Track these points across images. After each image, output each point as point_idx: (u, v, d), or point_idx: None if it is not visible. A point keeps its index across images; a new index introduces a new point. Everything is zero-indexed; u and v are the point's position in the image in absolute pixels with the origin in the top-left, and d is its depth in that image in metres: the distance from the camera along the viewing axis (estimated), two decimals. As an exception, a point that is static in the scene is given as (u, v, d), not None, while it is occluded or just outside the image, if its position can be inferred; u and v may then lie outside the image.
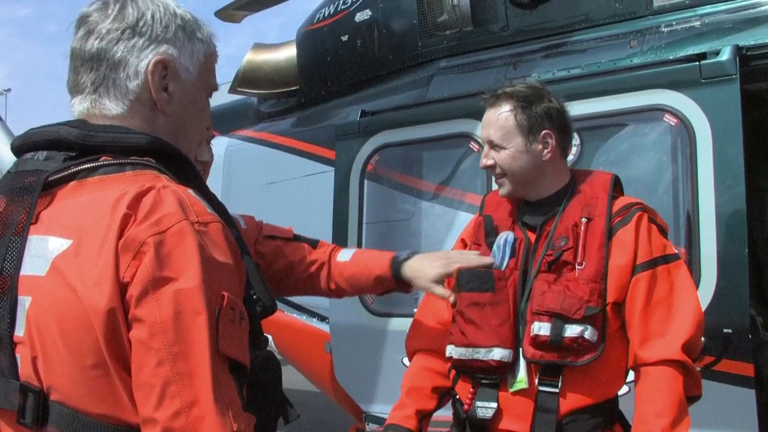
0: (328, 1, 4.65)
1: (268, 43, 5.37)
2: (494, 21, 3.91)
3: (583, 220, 1.99)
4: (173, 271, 1.05)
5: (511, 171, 2.06)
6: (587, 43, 3.62)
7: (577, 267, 1.95)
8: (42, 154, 1.18)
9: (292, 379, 4.06)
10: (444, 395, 2.16)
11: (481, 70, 3.88)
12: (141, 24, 1.19)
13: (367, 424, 3.80)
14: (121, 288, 1.04)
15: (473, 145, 3.65)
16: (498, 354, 1.96)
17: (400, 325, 3.61)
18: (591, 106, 3.20)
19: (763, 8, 3.24)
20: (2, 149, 6.32)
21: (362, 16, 4.35)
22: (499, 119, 2.06)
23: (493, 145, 2.08)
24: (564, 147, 2.12)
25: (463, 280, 2.05)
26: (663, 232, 2.05)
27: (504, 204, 2.16)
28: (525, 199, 2.12)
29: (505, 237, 2.06)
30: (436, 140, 3.79)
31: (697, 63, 3.05)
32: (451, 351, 2.06)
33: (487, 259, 2.04)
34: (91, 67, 1.19)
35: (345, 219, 3.97)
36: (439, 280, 2.00)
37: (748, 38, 3.12)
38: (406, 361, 3.52)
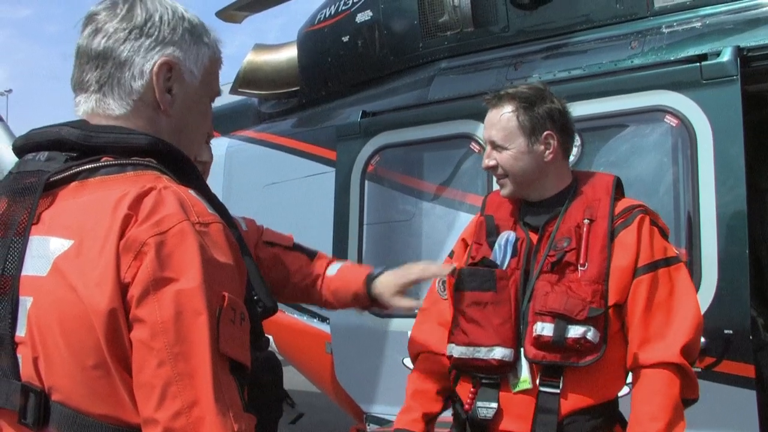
0: (329, 1, 4.65)
1: (269, 43, 5.38)
2: (495, 22, 3.91)
3: (586, 221, 1.99)
4: (174, 271, 1.05)
5: (513, 172, 2.06)
6: (588, 44, 3.62)
7: (579, 268, 1.95)
8: (43, 155, 1.19)
9: (293, 379, 4.06)
10: (449, 397, 2.16)
11: (482, 70, 3.88)
12: (149, 25, 1.19)
13: (368, 425, 3.80)
14: (122, 288, 1.04)
15: (474, 146, 3.65)
16: (499, 353, 1.96)
17: (401, 325, 3.61)
18: (592, 107, 3.20)
19: (763, 9, 3.24)
20: (3, 150, 6.33)
21: (363, 16, 4.35)
22: (502, 120, 2.06)
23: (495, 146, 2.08)
24: (566, 148, 2.12)
25: (465, 279, 2.05)
26: (664, 234, 2.06)
27: (505, 204, 2.16)
28: (526, 200, 2.12)
29: (507, 237, 2.07)
30: (436, 141, 3.79)
31: (698, 64, 3.05)
32: (452, 350, 2.06)
33: (446, 269, 2.01)
34: (97, 65, 1.20)
35: (346, 220, 3.97)
36: (399, 292, 1.94)
37: (749, 39, 3.12)
38: (406, 361, 3.53)
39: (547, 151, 2.05)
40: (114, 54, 1.19)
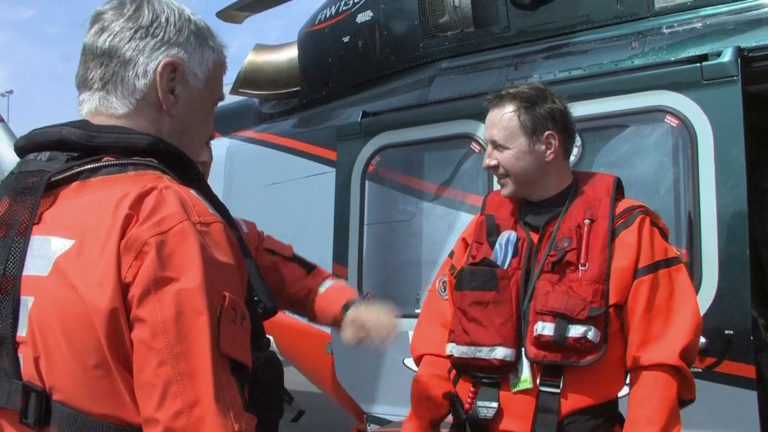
0: (329, 2, 4.65)
1: (270, 44, 5.37)
2: (495, 22, 3.91)
3: (586, 221, 2.00)
4: (175, 271, 1.05)
5: (514, 171, 2.06)
6: (589, 45, 3.62)
7: (580, 268, 1.95)
8: (45, 155, 1.19)
9: (293, 380, 4.06)
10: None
11: (483, 71, 3.88)
12: (155, 26, 1.20)
13: (369, 425, 3.79)
14: (123, 288, 1.04)
15: (474, 146, 3.65)
16: (501, 353, 1.96)
17: (402, 325, 3.61)
18: (592, 107, 3.20)
19: (764, 10, 3.24)
20: (4, 150, 6.33)
21: (363, 17, 4.35)
22: (503, 120, 2.06)
23: (496, 146, 2.08)
24: (567, 148, 2.12)
25: (466, 279, 2.06)
26: (664, 235, 2.06)
27: (506, 204, 2.16)
28: (527, 200, 2.12)
29: (507, 236, 2.07)
30: (437, 141, 3.80)
31: (698, 64, 3.05)
32: (452, 349, 2.06)
33: (388, 339, 1.95)
34: (102, 62, 1.20)
35: (346, 220, 3.97)
36: (355, 338, 1.93)
37: (750, 40, 3.12)
38: (407, 361, 3.53)
39: (549, 151, 2.05)
40: (119, 52, 1.19)
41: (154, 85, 1.20)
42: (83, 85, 1.23)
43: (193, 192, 1.15)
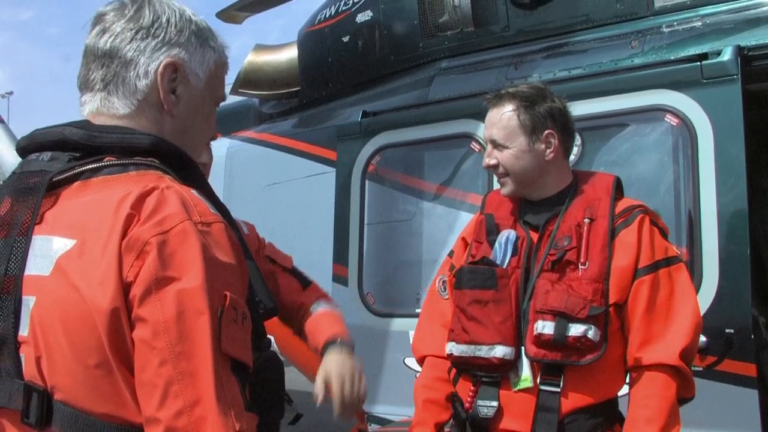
0: (329, 2, 4.66)
1: (270, 44, 5.38)
2: (495, 21, 3.91)
3: (586, 220, 2.00)
4: (176, 270, 1.05)
5: (514, 170, 2.07)
6: (588, 44, 3.62)
7: (580, 267, 1.95)
8: (47, 155, 1.19)
9: (294, 380, 4.06)
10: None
11: (483, 70, 3.88)
12: (155, 26, 1.20)
13: (369, 425, 3.80)
14: (125, 288, 1.05)
15: (474, 146, 3.65)
16: (500, 351, 1.96)
17: (402, 325, 3.61)
18: (592, 106, 3.20)
19: (764, 8, 3.24)
20: (5, 151, 6.33)
21: (363, 17, 4.36)
22: (502, 119, 2.06)
23: (496, 145, 2.09)
24: (566, 147, 2.12)
25: (465, 278, 2.06)
26: (664, 234, 2.06)
27: (505, 203, 2.16)
28: (527, 199, 2.12)
29: (507, 235, 2.07)
30: (437, 141, 3.80)
31: (698, 63, 3.06)
32: (452, 348, 2.06)
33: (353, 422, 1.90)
34: (103, 63, 1.21)
35: (346, 220, 3.97)
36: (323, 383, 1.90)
37: (750, 38, 3.12)
38: (407, 361, 3.53)
39: (548, 150, 2.05)
40: (120, 53, 1.19)
41: (155, 85, 1.20)
42: (85, 86, 1.24)
43: (194, 192, 1.15)
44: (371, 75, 4.41)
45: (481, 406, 2.00)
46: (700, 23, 3.34)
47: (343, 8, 4.48)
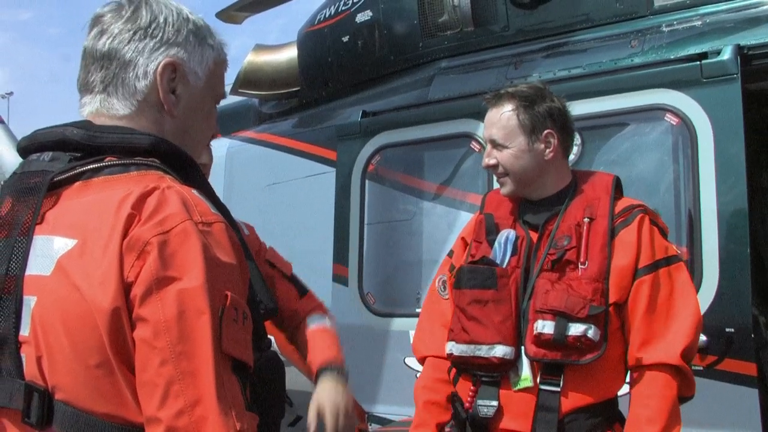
0: (329, 2, 4.65)
1: (270, 44, 5.38)
2: (495, 21, 3.92)
3: (586, 220, 2.00)
4: (177, 270, 1.05)
5: (514, 170, 2.07)
6: (588, 43, 3.62)
7: (580, 266, 1.95)
8: (48, 155, 1.19)
9: (294, 380, 4.06)
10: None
11: (482, 70, 3.88)
12: (153, 26, 1.20)
13: (370, 425, 3.80)
14: (125, 287, 1.05)
15: (474, 145, 3.65)
16: (500, 351, 1.96)
17: (403, 325, 3.61)
18: (592, 105, 3.20)
19: (764, 8, 3.24)
20: (5, 152, 6.33)
21: (363, 16, 4.36)
22: (502, 119, 2.06)
23: (495, 145, 2.09)
24: (566, 147, 2.12)
25: (465, 278, 2.06)
26: (663, 233, 2.06)
27: (505, 202, 2.16)
28: (526, 198, 2.12)
29: (507, 235, 2.07)
30: (437, 140, 3.80)
31: (698, 62, 3.06)
32: (452, 348, 2.06)
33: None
34: (102, 65, 1.21)
35: (346, 219, 3.97)
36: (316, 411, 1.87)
37: (749, 38, 3.12)
38: (408, 361, 3.53)
39: (548, 150, 2.05)
40: (118, 54, 1.19)
41: (154, 85, 1.20)
42: (84, 88, 1.24)
43: (195, 192, 1.15)
44: (371, 75, 4.41)
45: (481, 405, 2.00)
46: (699, 22, 3.35)
47: (343, 8, 4.48)
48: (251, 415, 1.09)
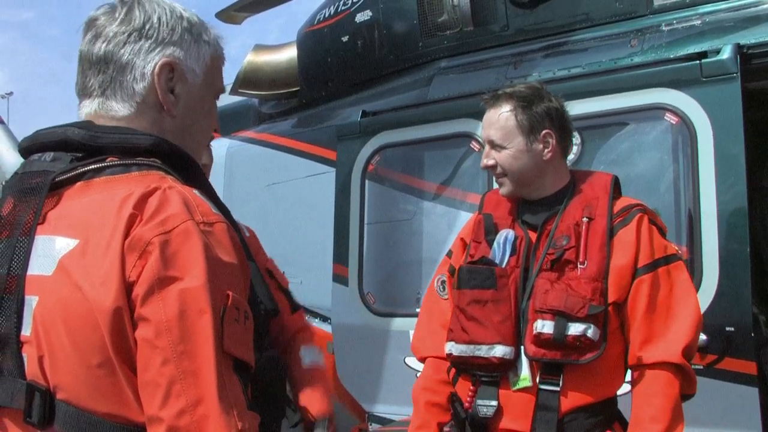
0: (328, 2, 4.65)
1: (269, 44, 5.38)
2: (494, 21, 3.92)
3: (584, 219, 2.00)
4: (178, 270, 1.05)
5: (512, 171, 2.07)
6: (588, 43, 3.62)
7: (579, 266, 1.96)
8: (49, 155, 1.19)
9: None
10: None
11: (482, 69, 3.88)
12: (147, 27, 1.20)
13: (370, 425, 3.80)
14: (127, 287, 1.05)
15: (474, 145, 3.65)
16: (500, 351, 1.97)
17: (403, 325, 3.61)
18: (592, 105, 3.20)
19: (763, 7, 3.24)
20: (5, 152, 6.33)
21: (363, 16, 4.36)
22: (500, 119, 2.06)
23: (493, 145, 2.09)
24: (564, 147, 2.13)
25: (464, 278, 2.06)
26: (662, 233, 2.06)
27: (504, 202, 2.17)
28: (525, 198, 2.12)
29: (506, 235, 2.07)
30: (437, 140, 3.80)
31: (697, 62, 3.06)
32: (451, 348, 2.06)
33: None
34: (99, 69, 1.20)
35: (346, 219, 3.97)
36: None
37: (749, 37, 3.12)
38: (408, 360, 3.53)
39: (546, 150, 2.06)
40: (115, 58, 1.19)
41: (152, 87, 1.20)
42: (83, 92, 1.24)
43: (196, 192, 1.15)
44: (371, 75, 4.41)
45: (480, 405, 2.00)
46: (699, 22, 3.35)
47: (343, 8, 4.48)
48: (252, 415, 1.09)
